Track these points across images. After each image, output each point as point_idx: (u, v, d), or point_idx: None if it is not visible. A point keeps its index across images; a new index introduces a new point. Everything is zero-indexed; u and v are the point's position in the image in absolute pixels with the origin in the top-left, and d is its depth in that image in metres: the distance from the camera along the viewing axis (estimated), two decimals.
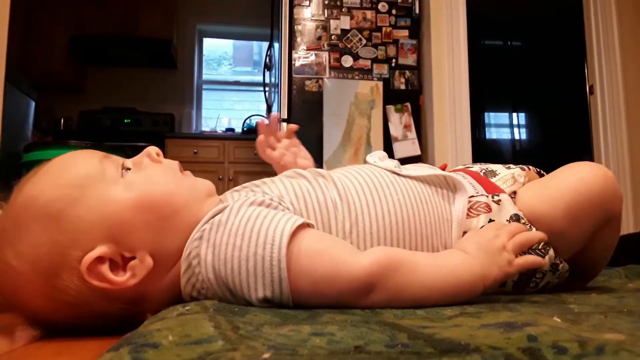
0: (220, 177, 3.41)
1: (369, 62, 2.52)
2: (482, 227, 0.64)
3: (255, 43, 4.29)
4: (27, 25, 3.32)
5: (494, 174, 0.72)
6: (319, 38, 2.50)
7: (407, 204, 0.61)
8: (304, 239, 0.50)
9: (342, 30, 2.52)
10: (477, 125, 4.16)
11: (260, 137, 0.81)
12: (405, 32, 2.58)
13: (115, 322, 0.49)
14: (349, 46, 2.51)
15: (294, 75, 2.46)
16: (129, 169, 0.54)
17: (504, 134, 4.42)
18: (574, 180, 0.65)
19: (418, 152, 2.48)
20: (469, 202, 0.66)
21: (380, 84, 2.50)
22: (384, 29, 2.56)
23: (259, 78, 4.00)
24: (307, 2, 2.52)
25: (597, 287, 0.74)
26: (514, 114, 4.42)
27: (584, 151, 2.89)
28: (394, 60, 2.55)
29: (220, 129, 3.95)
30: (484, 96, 3.86)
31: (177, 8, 3.85)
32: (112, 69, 3.87)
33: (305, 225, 0.51)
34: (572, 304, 0.52)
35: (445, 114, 2.47)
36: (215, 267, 0.49)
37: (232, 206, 0.52)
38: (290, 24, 2.50)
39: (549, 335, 0.30)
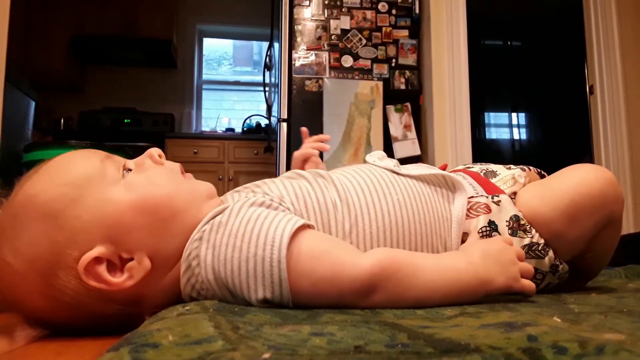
0: (220, 177, 3.41)
1: (369, 62, 2.52)
2: (481, 227, 0.64)
3: (255, 43, 4.29)
4: (27, 25, 3.32)
5: (494, 174, 0.72)
6: (319, 38, 2.50)
7: (406, 203, 0.61)
8: (305, 240, 0.50)
9: (342, 30, 2.52)
10: (477, 125, 4.16)
11: (304, 153, 0.81)
12: (405, 32, 2.58)
13: (114, 322, 0.49)
14: (349, 46, 2.51)
15: (294, 75, 2.46)
16: (130, 169, 0.54)
17: (503, 134, 4.43)
18: (576, 182, 0.65)
19: (418, 152, 2.48)
20: (469, 202, 0.66)
21: (380, 84, 2.50)
22: (384, 29, 2.56)
23: (259, 78, 4.00)
24: (307, 2, 2.52)
25: (597, 287, 0.74)
26: (514, 114, 4.42)
27: (584, 151, 2.89)
28: (394, 60, 2.55)
29: (220, 129, 3.95)
30: (484, 96, 3.86)
31: (177, 8, 3.85)
32: (112, 69, 3.87)
33: (305, 226, 0.51)
34: (572, 304, 0.52)
35: (445, 114, 2.47)
36: (214, 268, 0.49)
37: (233, 207, 0.52)
38: (290, 23, 2.50)
39: (549, 335, 0.30)
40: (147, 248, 0.50)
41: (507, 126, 4.40)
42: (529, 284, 0.55)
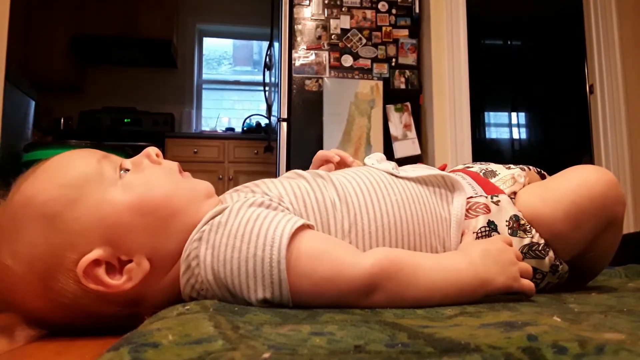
0: (220, 176, 3.41)
1: (369, 62, 2.52)
2: (481, 227, 0.64)
3: (255, 42, 4.29)
4: (27, 25, 3.32)
5: (493, 174, 0.72)
6: (319, 37, 2.50)
7: (405, 204, 0.61)
8: (304, 240, 0.49)
9: (342, 29, 2.52)
10: (477, 125, 4.16)
11: (328, 155, 0.77)
12: (405, 32, 2.57)
13: (113, 323, 0.49)
14: (348, 46, 2.51)
15: (294, 75, 2.46)
16: (128, 169, 0.54)
17: (503, 134, 4.43)
18: (577, 183, 0.65)
19: (418, 151, 2.48)
20: (468, 203, 0.66)
21: (380, 83, 2.50)
22: (384, 28, 2.56)
23: (259, 77, 4.00)
24: (307, 2, 2.52)
25: (597, 287, 0.74)
26: (514, 114, 4.42)
27: (584, 150, 2.89)
28: (394, 60, 2.55)
29: (220, 128, 3.95)
30: (484, 96, 3.86)
31: (177, 8, 3.85)
32: (112, 69, 3.87)
33: (305, 226, 0.51)
34: (572, 304, 0.52)
35: (445, 113, 2.47)
36: (214, 268, 0.49)
37: (232, 207, 0.52)
38: (290, 23, 2.49)
39: (549, 335, 0.30)
40: (146, 249, 0.50)
41: (507, 126, 4.40)
42: (528, 283, 0.55)
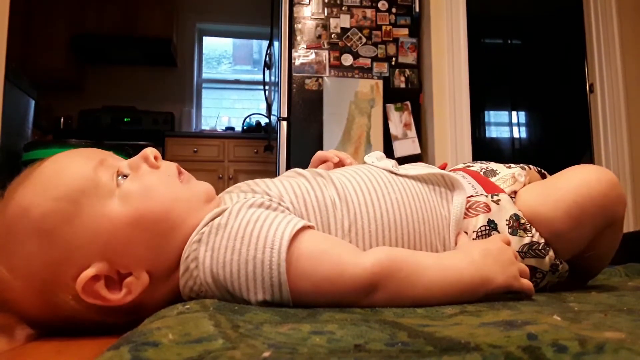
0: (220, 175, 3.41)
1: (368, 61, 2.51)
2: (480, 226, 0.64)
3: (255, 41, 4.29)
4: (27, 24, 3.32)
5: (494, 173, 0.71)
6: (319, 37, 2.50)
7: (405, 203, 0.61)
8: (304, 240, 0.49)
9: (342, 28, 2.52)
10: (477, 124, 4.16)
11: (327, 155, 0.77)
12: (405, 31, 2.57)
13: (113, 327, 0.49)
14: (348, 45, 2.51)
15: (293, 74, 2.46)
16: (126, 175, 0.52)
17: (503, 133, 4.42)
18: (578, 182, 0.65)
19: (418, 150, 2.48)
20: (468, 201, 0.66)
21: (380, 82, 2.50)
22: (384, 27, 2.55)
23: (259, 77, 4.00)
24: (307, 1, 2.52)
25: (597, 286, 0.74)
26: (514, 113, 4.42)
27: (584, 150, 2.89)
28: (394, 59, 2.54)
29: (220, 127, 3.95)
30: (484, 95, 3.86)
31: (177, 6, 3.85)
32: (112, 68, 3.87)
33: (305, 227, 0.50)
34: (572, 303, 0.52)
35: (445, 112, 2.47)
36: (213, 270, 0.49)
37: (232, 209, 0.52)
38: (290, 22, 2.49)
39: (549, 334, 0.30)
40: (145, 263, 0.49)
41: (507, 125, 4.40)
42: (527, 283, 0.55)
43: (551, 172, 0.74)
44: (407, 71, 2.55)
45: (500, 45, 4.37)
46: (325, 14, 2.52)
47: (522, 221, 0.64)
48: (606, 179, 0.65)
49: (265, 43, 3.84)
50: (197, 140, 3.48)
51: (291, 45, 2.48)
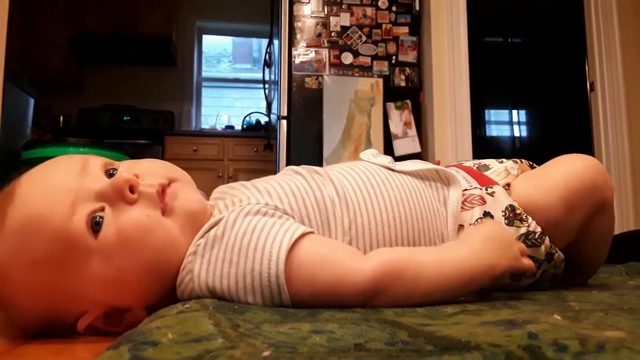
0: (220, 174, 3.41)
1: (369, 59, 2.51)
2: (477, 219, 0.64)
3: (254, 40, 4.28)
4: (27, 23, 3.31)
5: (486, 167, 0.73)
6: (319, 35, 2.50)
7: (403, 199, 0.61)
8: (303, 247, 0.49)
9: (342, 27, 2.52)
10: (478, 123, 4.15)
11: None
12: (406, 29, 2.57)
13: None
14: (348, 43, 2.51)
15: (293, 73, 2.46)
16: (102, 217, 0.47)
17: (504, 131, 4.42)
18: (567, 170, 0.66)
19: (418, 149, 2.48)
20: (463, 195, 0.66)
21: (381, 81, 2.49)
22: (384, 25, 2.55)
23: (259, 75, 3.99)
24: None
25: (598, 285, 0.74)
26: (514, 111, 4.41)
27: (585, 148, 2.89)
28: (394, 57, 2.54)
29: (219, 126, 3.95)
30: (484, 93, 3.85)
31: (177, 5, 3.84)
32: (112, 67, 3.87)
33: (304, 234, 0.49)
34: (572, 302, 0.52)
35: (445, 111, 2.47)
36: (209, 283, 0.48)
37: (227, 218, 0.50)
38: (290, 20, 2.49)
39: (549, 333, 0.30)
40: (142, 301, 0.50)
41: (508, 123, 4.40)
42: (529, 262, 0.56)
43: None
44: (407, 70, 2.55)
45: (501, 43, 4.37)
46: (325, 12, 2.52)
47: (518, 211, 0.65)
48: (592, 164, 0.67)
49: (265, 41, 3.84)
50: (197, 139, 3.48)
51: (291, 44, 2.48)
